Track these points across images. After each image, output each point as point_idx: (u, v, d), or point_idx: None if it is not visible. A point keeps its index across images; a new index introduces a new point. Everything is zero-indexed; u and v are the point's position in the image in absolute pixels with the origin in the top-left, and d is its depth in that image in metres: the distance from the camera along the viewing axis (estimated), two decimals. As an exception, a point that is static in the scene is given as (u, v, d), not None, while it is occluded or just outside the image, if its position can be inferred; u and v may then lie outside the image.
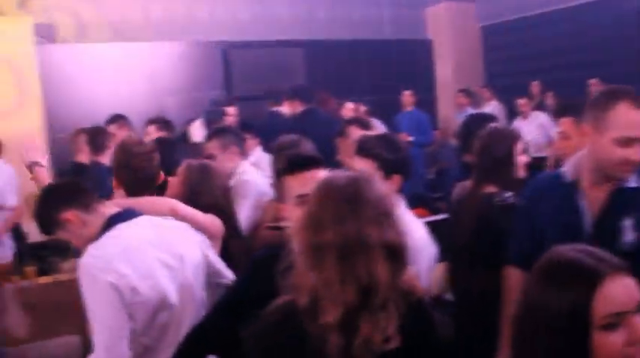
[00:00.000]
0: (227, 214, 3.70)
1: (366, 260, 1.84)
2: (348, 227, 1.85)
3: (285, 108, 7.24)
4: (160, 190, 3.68)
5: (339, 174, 2.02)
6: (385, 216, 1.89)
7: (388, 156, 3.13)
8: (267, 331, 1.93)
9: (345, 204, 1.88)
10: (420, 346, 1.97)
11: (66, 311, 4.72)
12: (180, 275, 2.84)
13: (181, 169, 3.91)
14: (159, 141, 6.63)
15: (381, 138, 3.31)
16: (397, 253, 1.89)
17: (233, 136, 4.70)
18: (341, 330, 1.83)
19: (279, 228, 3.52)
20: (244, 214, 4.34)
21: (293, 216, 2.39)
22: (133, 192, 3.41)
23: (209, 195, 3.76)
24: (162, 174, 3.61)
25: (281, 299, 1.96)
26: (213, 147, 4.63)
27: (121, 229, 2.81)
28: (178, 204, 3.44)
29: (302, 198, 2.33)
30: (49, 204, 2.87)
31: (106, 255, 2.68)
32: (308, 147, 4.16)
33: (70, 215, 2.81)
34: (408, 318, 1.91)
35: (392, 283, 1.87)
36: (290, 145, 4.11)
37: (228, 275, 3.14)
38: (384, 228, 1.87)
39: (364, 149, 3.20)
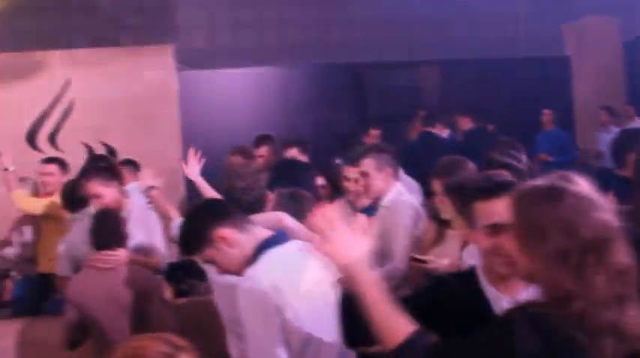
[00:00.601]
0: None
1: (618, 251, 1.77)
2: (596, 220, 1.77)
3: (438, 129, 7.07)
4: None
5: (533, 182, 1.93)
6: (604, 203, 1.83)
7: (518, 165, 3.02)
8: (520, 343, 1.78)
9: (581, 199, 1.80)
10: None
11: (204, 333, 4.73)
12: (331, 299, 2.74)
13: (272, 196, 3.88)
14: (291, 163, 6.67)
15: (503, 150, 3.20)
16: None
17: (388, 156, 4.56)
18: (610, 331, 1.72)
19: (422, 261, 3.41)
20: (403, 235, 4.23)
21: (483, 244, 2.31)
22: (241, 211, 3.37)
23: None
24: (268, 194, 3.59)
25: (517, 310, 1.85)
26: (367, 165, 4.44)
27: (278, 253, 2.73)
28: (287, 218, 3.41)
29: (493, 228, 2.25)
30: (203, 220, 2.79)
31: (270, 278, 2.62)
32: (471, 167, 3.98)
33: (224, 232, 2.73)
34: None
35: None
36: (454, 167, 3.94)
37: None
38: (612, 214, 1.81)
39: (494, 162, 3.09)
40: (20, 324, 5.41)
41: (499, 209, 2.23)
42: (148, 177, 4.62)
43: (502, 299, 2.29)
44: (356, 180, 4.65)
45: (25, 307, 6.28)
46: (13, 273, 6.95)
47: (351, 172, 4.84)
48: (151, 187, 4.56)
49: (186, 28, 10.12)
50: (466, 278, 2.42)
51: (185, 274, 6.16)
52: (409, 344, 1.87)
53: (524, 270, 1.86)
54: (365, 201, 4.60)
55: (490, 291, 2.33)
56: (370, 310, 1.92)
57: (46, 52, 8.79)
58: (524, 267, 1.85)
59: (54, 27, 8.80)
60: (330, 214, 2.00)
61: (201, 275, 5.89)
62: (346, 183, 4.92)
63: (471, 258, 3.00)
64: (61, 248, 4.99)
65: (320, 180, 6.32)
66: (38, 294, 6.09)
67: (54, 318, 5.13)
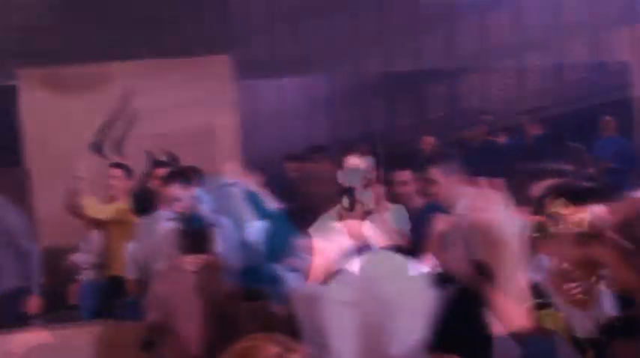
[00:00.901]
0: None
1: None
2: None
3: (498, 137, 7.05)
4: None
5: (633, 195, 1.98)
6: None
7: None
8: None
9: None
10: None
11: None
12: (415, 306, 2.74)
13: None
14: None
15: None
16: None
17: (455, 162, 4.49)
18: None
19: None
20: None
21: (569, 253, 2.24)
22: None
23: None
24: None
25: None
26: (435, 173, 4.36)
27: (361, 262, 2.75)
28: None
29: (584, 237, 2.18)
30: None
31: (354, 288, 2.64)
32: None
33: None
34: None
35: None
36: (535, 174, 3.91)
37: None
38: None
39: (540, 172, 3.09)
40: (90, 327, 5.51)
41: (588, 217, 2.19)
42: (231, 173, 4.62)
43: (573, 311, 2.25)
44: (404, 183, 4.65)
45: (93, 310, 6.43)
46: (80, 277, 7.10)
47: (400, 176, 4.87)
48: (232, 183, 4.55)
49: (245, 38, 10.25)
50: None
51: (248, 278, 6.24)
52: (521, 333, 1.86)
53: (625, 283, 1.85)
54: (418, 203, 4.59)
55: (560, 303, 2.29)
56: (500, 285, 1.92)
57: (111, 64, 9.01)
58: (625, 280, 1.84)
59: (117, 39, 9.01)
60: (490, 192, 2.02)
61: (261, 280, 5.98)
62: (396, 187, 4.94)
63: (534, 271, 2.93)
64: (131, 251, 5.09)
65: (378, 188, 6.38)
66: (106, 297, 6.23)
67: (123, 321, 5.24)
